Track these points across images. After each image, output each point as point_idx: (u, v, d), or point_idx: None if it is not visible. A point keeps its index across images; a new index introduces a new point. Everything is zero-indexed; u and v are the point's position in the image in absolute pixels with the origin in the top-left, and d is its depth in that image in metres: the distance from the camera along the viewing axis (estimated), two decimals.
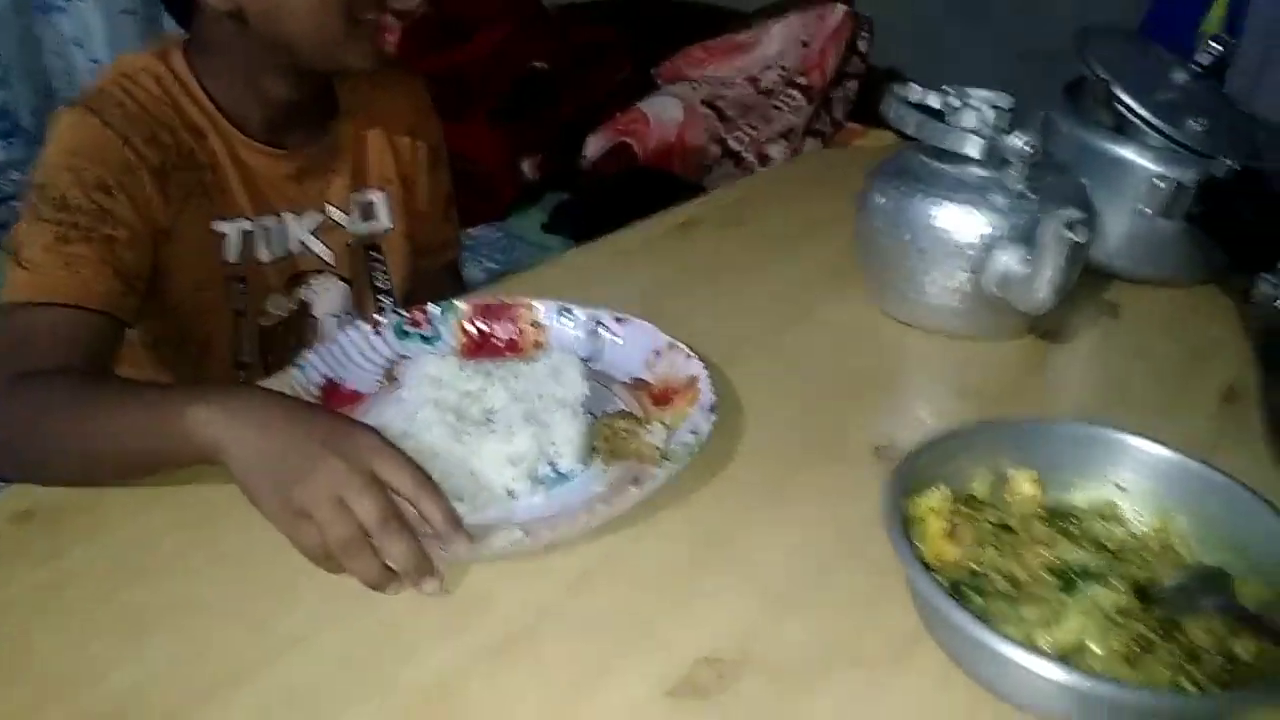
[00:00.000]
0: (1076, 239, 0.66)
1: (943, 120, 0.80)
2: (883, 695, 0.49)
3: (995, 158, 0.76)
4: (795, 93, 1.91)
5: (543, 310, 0.78)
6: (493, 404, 0.66)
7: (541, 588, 0.55)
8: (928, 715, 0.48)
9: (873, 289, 0.87)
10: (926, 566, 0.49)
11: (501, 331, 0.78)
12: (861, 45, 1.99)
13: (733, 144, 1.88)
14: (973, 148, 0.75)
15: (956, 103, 0.81)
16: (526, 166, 2.05)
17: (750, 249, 1.02)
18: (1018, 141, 0.73)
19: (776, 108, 1.90)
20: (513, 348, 0.77)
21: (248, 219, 0.81)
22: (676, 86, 2.10)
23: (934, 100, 0.82)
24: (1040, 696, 0.45)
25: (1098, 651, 0.47)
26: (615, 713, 0.48)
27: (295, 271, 0.86)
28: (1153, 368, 0.82)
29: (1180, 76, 0.89)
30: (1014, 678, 0.45)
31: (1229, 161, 0.79)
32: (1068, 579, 0.50)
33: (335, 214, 0.87)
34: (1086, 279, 0.89)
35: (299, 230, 0.85)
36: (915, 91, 0.83)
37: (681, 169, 1.93)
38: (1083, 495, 0.58)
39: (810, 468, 0.66)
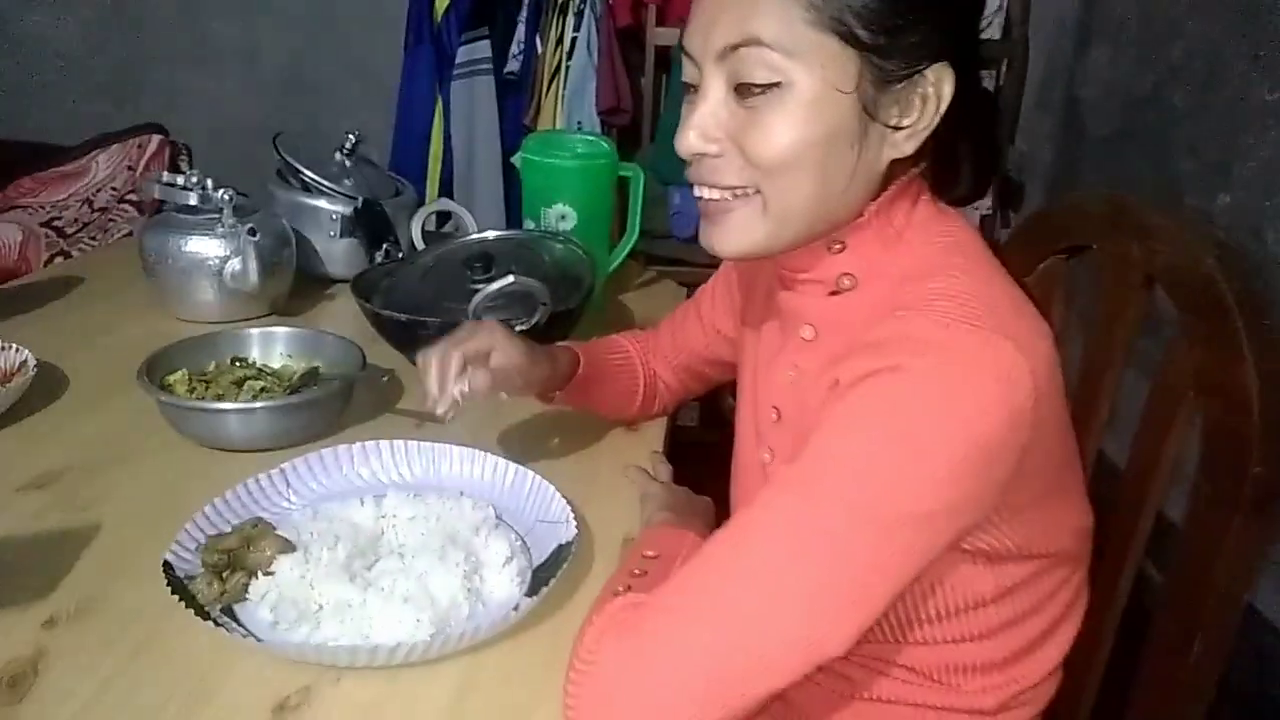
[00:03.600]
0: (255, 240, 1.19)
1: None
2: (138, 473, 0.93)
3: (215, 208, 1.27)
4: (128, 208, 2.27)
5: None
6: None
7: None
8: (163, 469, 0.93)
9: (165, 303, 1.31)
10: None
11: None
12: (183, 165, 2.41)
13: (75, 255, 2.15)
14: (191, 199, 1.24)
15: (195, 180, 1.30)
16: None
17: (84, 302, 1.39)
18: (221, 194, 1.25)
19: (113, 220, 2.24)
20: None
21: None
22: (11, 214, 2.30)
23: (180, 180, 1.30)
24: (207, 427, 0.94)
25: None
26: None
27: None
28: (344, 321, 1.38)
29: (338, 157, 1.50)
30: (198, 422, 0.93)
31: (358, 199, 1.41)
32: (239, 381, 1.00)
33: None
34: (313, 282, 1.44)
35: None
36: (169, 178, 1.31)
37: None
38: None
39: (105, 400, 1.07)
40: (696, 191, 0.70)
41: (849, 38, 0.61)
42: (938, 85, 0.64)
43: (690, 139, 0.67)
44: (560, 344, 0.98)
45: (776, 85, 0.63)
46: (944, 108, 0.65)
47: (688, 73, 0.69)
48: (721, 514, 0.91)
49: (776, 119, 0.64)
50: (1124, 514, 0.87)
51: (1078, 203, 0.97)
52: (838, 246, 0.70)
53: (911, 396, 0.58)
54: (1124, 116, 2.36)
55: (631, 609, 0.61)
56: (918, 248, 0.69)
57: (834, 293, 0.72)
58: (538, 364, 0.89)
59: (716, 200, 0.69)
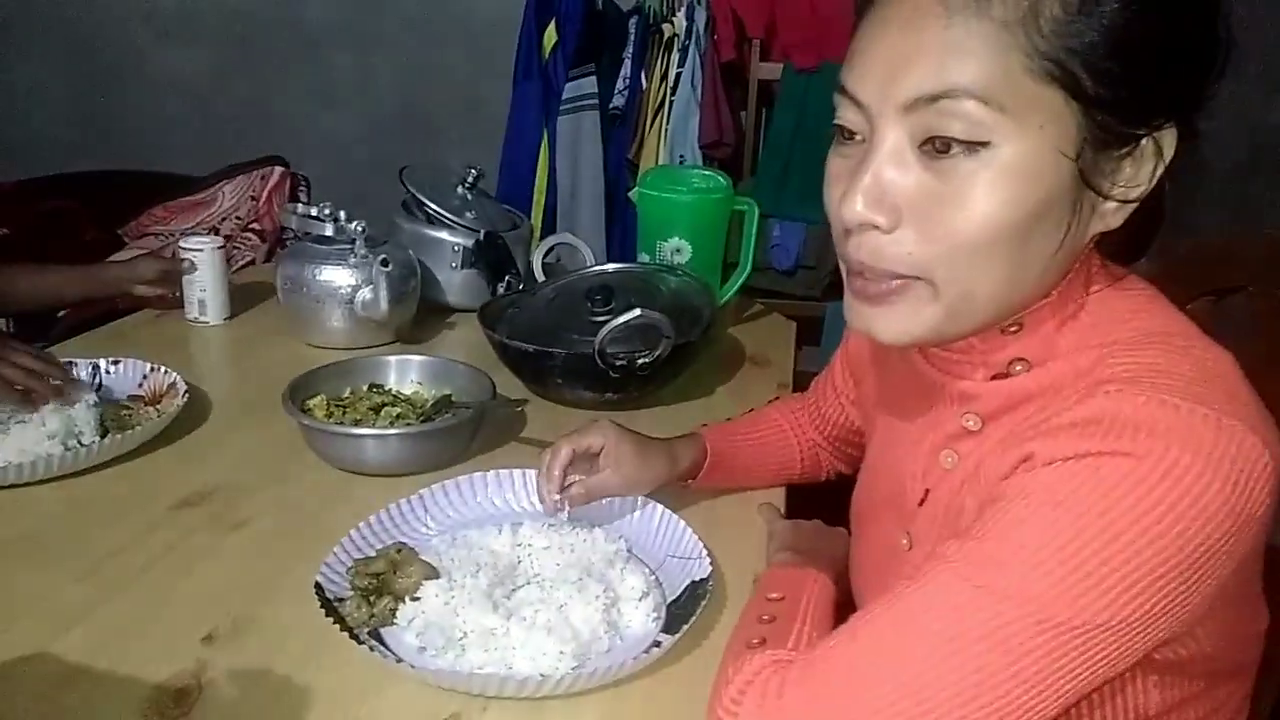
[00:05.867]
0: (387, 270, 1.23)
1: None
2: (282, 493, 0.97)
3: (349, 239, 1.32)
4: (251, 236, 2.37)
5: None
6: None
7: None
8: (305, 490, 0.97)
9: (297, 328, 1.36)
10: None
11: None
12: (302, 196, 2.52)
13: None
14: (327, 229, 1.30)
15: (328, 212, 1.36)
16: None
17: (219, 327, 1.45)
18: (354, 226, 1.30)
19: (237, 248, 2.34)
20: None
21: None
22: (143, 241, 2.43)
23: (314, 211, 1.36)
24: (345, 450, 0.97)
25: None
26: None
27: None
28: (465, 350, 1.42)
29: (460, 190, 1.54)
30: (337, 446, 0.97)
31: (480, 231, 1.44)
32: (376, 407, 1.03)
33: None
34: (432, 311, 1.48)
35: None
36: (305, 209, 1.37)
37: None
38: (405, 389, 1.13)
39: (248, 422, 1.12)
40: (854, 268, 0.59)
41: (1074, 90, 0.52)
42: (1160, 148, 0.55)
43: (858, 207, 0.55)
44: (694, 432, 0.94)
45: (983, 145, 0.52)
46: (1160, 173, 0.55)
47: (848, 118, 0.57)
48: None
49: (978, 188, 0.53)
50: None
51: (1228, 242, 0.93)
52: (1014, 328, 0.61)
53: (1126, 487, 0.49)
54: (1250, 148, 2.27)
55: (775, 670, 0.57)
56: (1105, 329, 0.59)
57: (998, 375, 0.63)
58: (650, 464, 0.87)
59: (871, 282, 0.58)
